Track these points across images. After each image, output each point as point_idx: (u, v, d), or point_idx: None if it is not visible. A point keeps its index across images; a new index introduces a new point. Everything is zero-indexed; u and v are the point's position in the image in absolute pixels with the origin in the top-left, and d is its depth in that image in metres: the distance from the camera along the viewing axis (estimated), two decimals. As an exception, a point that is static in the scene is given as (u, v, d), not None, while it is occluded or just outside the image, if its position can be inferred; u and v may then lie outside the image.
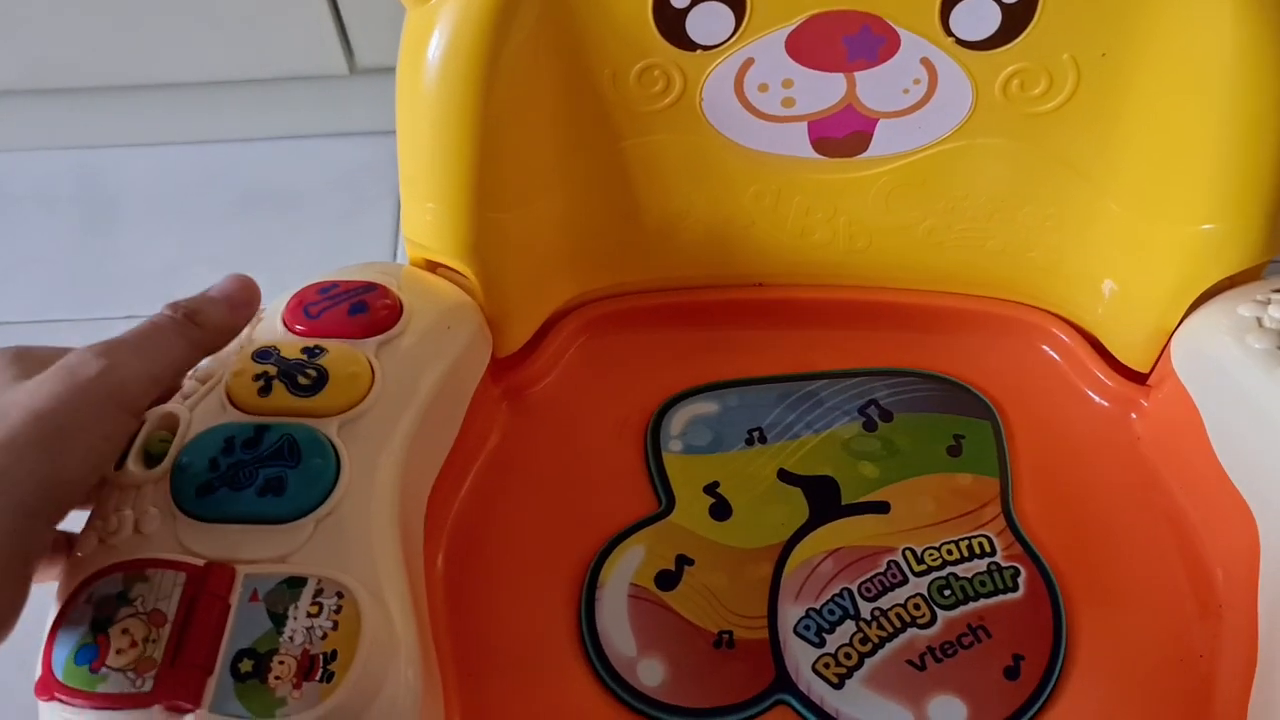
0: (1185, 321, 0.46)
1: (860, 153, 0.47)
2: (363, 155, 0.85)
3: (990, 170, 0.47)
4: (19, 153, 0.85)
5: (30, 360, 0.34)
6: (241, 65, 0.78)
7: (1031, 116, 0.45)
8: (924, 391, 0.51)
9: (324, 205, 0.83)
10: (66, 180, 0.84)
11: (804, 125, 0.46)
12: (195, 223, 0.82)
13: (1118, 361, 0.50)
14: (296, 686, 0.32)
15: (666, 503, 0.47)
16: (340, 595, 0.34)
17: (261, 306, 0.43)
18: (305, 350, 0.40)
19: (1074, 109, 0.44)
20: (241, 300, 0.39)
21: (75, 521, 0.36)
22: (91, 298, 0.79)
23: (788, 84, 0.45)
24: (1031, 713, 0.41)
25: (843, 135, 0.46)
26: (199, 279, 0.80)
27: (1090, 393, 0.50)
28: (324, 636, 0.33)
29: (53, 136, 0.84)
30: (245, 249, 0.81)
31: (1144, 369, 0.49)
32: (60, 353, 0.35)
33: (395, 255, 0.81)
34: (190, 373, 0.40)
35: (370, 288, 0.43)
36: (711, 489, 0.48)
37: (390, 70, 0.79)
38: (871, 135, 0.46)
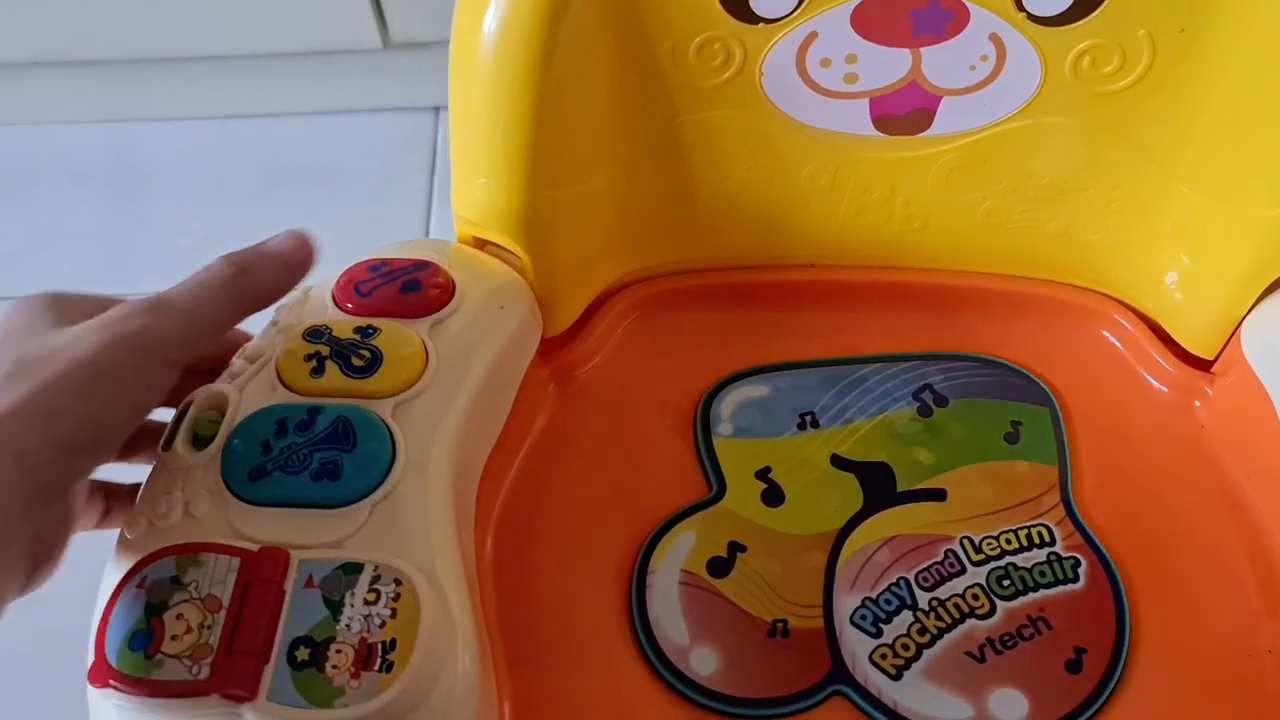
0: (1258, 307, 0.44)
1: (922, 131, 0.46)
2: (396, 131, 0.84)
3: (1055, 150, 0.45)
4: (50, 126, 0.85)
5: (67, 307, 0.34)
6: (274, 39, 0.77)
7: (1101, 95, 0.43)
8: (980, 377, 0.50)
9: (356, 181, 0.82)
10: (97, 154, 0.83)
11: (865, 102, 0.45)
12: (226, 198, 0.82)
13: (1180, 348, 0.49)
14: (354, 676, 0.32)
15: (717, 488, 0.46)
16: (398, 582, 0.33)
17: (309, 287, 0.43)
18: (358, 330, 0.39)
19: (1146, 87, 0.43)
20: (296, 260, 0.38)
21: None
22: (121, 272, 0.78)
23: (851, 59, 0.43)
24: (1095, 708, 0.41)
25: (905, 113, 0.45)
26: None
27: (1152, 380, 0.49)
28: (382, 625, 0.33)
29: (84, 110, 0.84)
30: (276, 224, 0.79)
31: (1209, 356, 0.48)
32: (94, 300, 0.35)
33: (429, 232, 0.80)
34: (239, 352, 0.40)
35: (422, 265, 0.42)
36: (763, 474, 0.47)
37: (424, 45, 0.78)
38: (934, 113, 0.45)
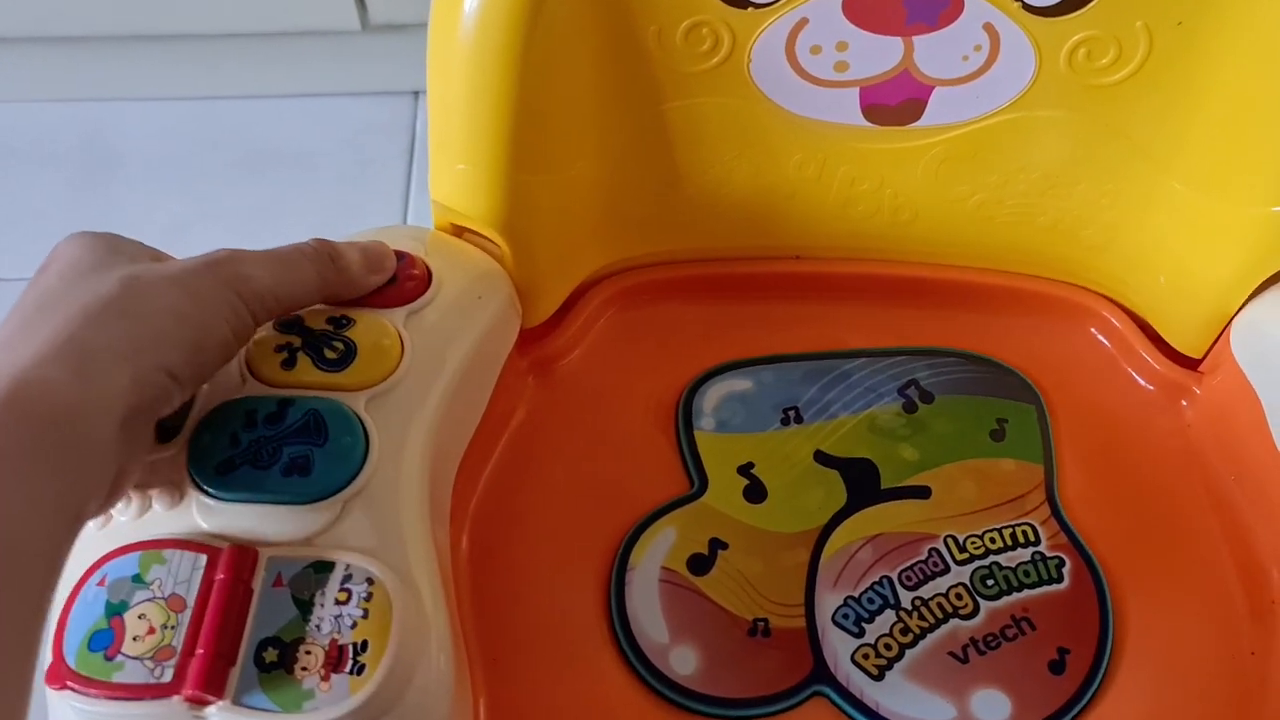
0: (1247, 306, 0.44)
1: (912, 122, 0.45)
2: (374, 115, 0.82)
3: (1047, 144, 0.45)
4: (19, 104, 0.83)
5: (132, 248, 0.34)
6: (251, 18, 0.75)
7: (1095, 88, 0.43)
8: (966, 373, 0.49)
9: (333, 166, 0.81)
10: (68, 134, 0.81)
11: (855, 91, 0.44)
12: (200, 181, 0.80)
13: (1168, 346, 0.48)
14: (325, 679, 0.31)
15: (699, 483, 0.46)
16: (370, 581, 0.32)
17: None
18: (331, 320, 0.38)
19: (1141, 81, 0.42)
20: (378, 266, 0.39)
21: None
22: (92, 255, 0.76)
23: (841, 47, 0.42)
24: (1077, 709, 0.40)
25: (896, 103, 0.44)
26: (204, 238, 0.78)
27: (1139, 378, 0.48)
28: (354, 625, 0.32)
29: (54, 88, 0.82)
30: (251, 208, 0.79)
31: (1197, 354, 0.47)
32: (146, 249, 0.35)
33: (406, 218, 0.79)
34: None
35: (398, 256, 0.40)
36: (745, 470, 0.46)
37: (404, 27, 0.77)
38: (925, 104, 0.44)
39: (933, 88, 0.44)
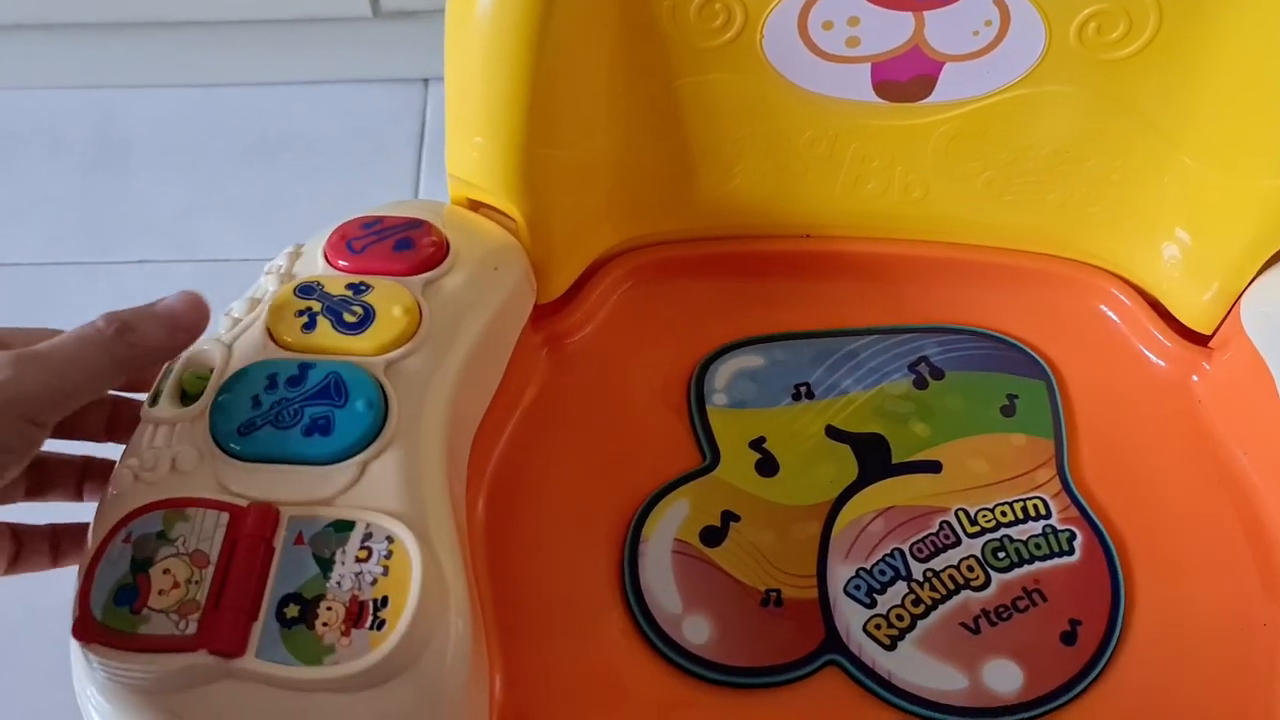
0: (1258, 280, 0.44)
1: (923, 98, 0.45)
2: (384, 103, 0.83)
3: (1057, 119, 0.45)
4: (29, 90, 0.83)
5: None
6: (262, 5, 0.76)
7: (1105, 63, 0.43)
8: (977, 350, 0.49)
9: (342, 153, 0.81)
10: (78, 120, 0.82)
11: (867, 67, 0.44)
12: (209, 167, 0.80)
13: (1178, 323, 0.48)
14: (345, 634, 0.31)
15: (711, 458, 0.46)
16: (390, 540, 0.33)
17: (301, 244, 0.42)
18: (350, 286, 0.38)
19: (1151, 55, 0.42)
20: (186, 322, 0.35)
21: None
22: (102, 241, 0.77)
23: (853, 22, 0.43)
24: (1089, 679, 0.40)
25: (907, 79, 0.45)
26: (212, 225, 0.78)
27: (1149, 354, 0.49)
28: (374, 582, 0.32)
29: (65, 75, 0.82)
30: (260, 195, 0.79)
31: (1207, 331, 0.47)
32: None
33: (416, 206, 0.79)
34: (227, 309, 0.39)
35: (415, 224, 0.41)
36: (757, 444, 0.46)
37: (415, 14, 0.77)
38: (936, 79, 0.44)
39: (943, 63, 0.44)
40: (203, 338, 0.38)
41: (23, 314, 0.72)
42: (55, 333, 0.34)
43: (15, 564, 0.37)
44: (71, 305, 0.73)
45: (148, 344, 0.34)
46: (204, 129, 0.81)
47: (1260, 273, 0.44)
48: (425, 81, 0.83)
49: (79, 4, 0.75)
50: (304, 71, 0.82)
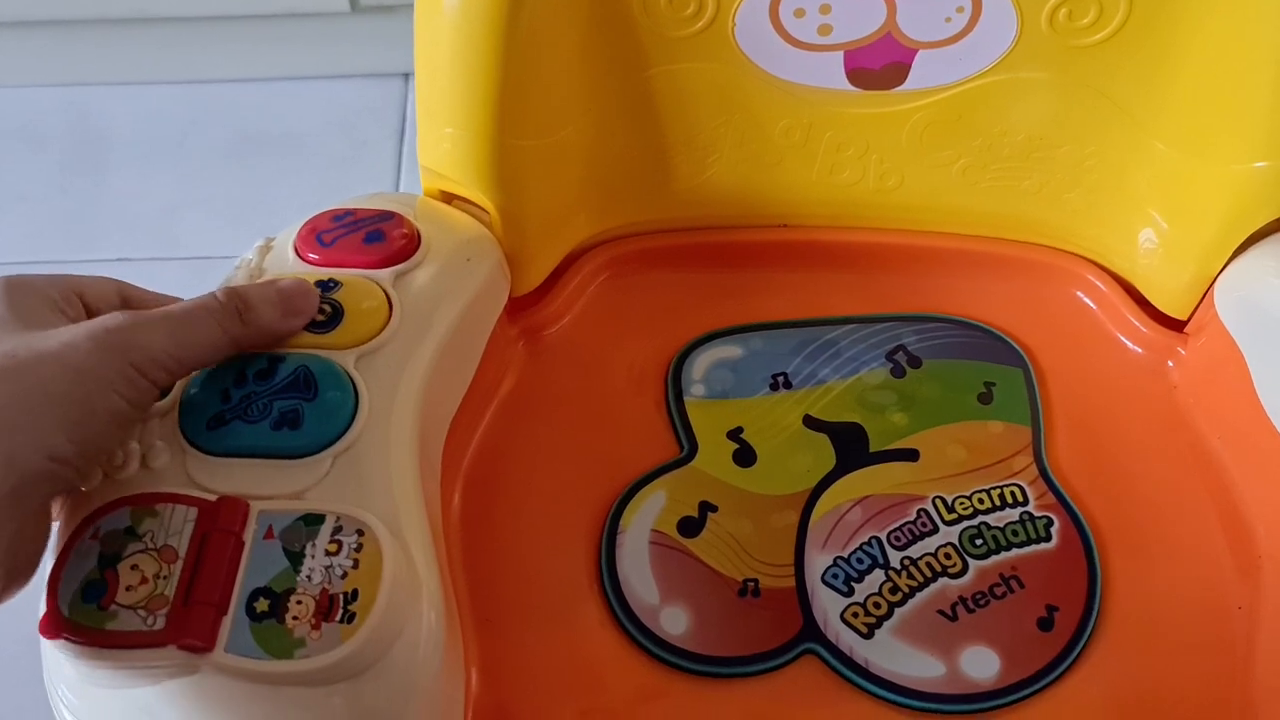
0: (1230, 265, 0.44)
1: (896, 85, 0.45)
2: (363, 98, 0.83)
3: (1030, 106, 0.45)
4: (6, 88, 0.83)
5: (29, 294, 0.33)
6: (239, 0, 0.75)
7: (1077, 49, 0.43)
8: (954, 338, 0.49)
9: (323, 148, 0.81)
10: (55, 118, 0.82)
11: (840, 55, 0.44)
12: (188, 164, 0.80)
13: (1154, 309, 0.48)
14: (315, 627, 0.31)
15: (688, 448, 0.46)
16: (360, 533, 0.33)
17: (271, 238, 0.42)
18: (319, 284, 0.38)
19: (1122, 40, 0.42)
20: (297, 308, 0.37)
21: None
22: (80, 239, 0.76)
23: (825, 9, 0.43)
24: (1065, 664, 0.40)
25: (879, 67, 0.45)
26: (192, 222, 0.78)
27: (1125, 340, 0.49)
28: (344, 575, 0.32)
29: (42, 72, 0.82)
30: (240, 192, 0.79)
31: (1182, 316, 0.48)
32: (54, 283, 0.34)
33: (396, 201, 0.79)
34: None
35: (386, 216, 0.41)
36: (735, 435, 0.46)
37: (393, 9, 0.77)
38: (909, 67, 0.44)
39: (916, 50, 0.44)
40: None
41: (1, 313, 0.72)
42: (178, 299, 0.35)
43: None
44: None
45: (261, 324, 0.36)
46: (183, 125, 0.81)
47: (1233, 258, 0.44)
48: (405, 76, 0.83)
49: (57, 1, 0.74)
50: (283, 67, 0.82)
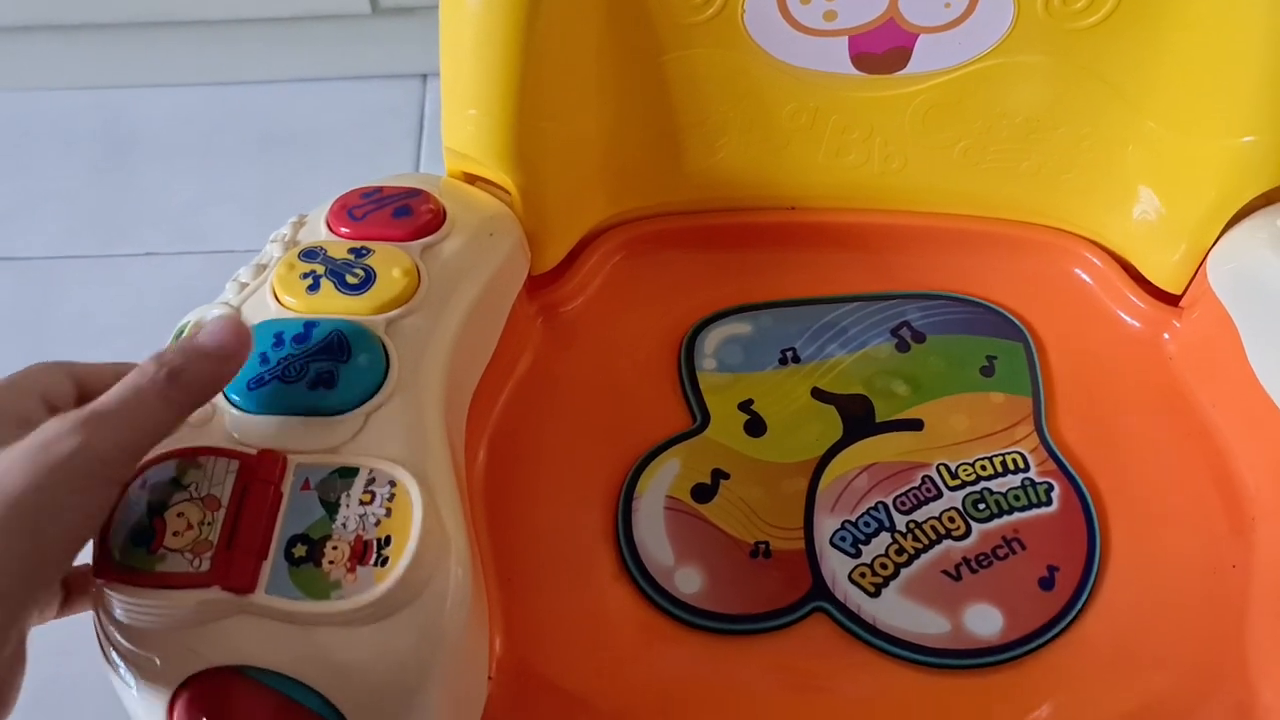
0: (1222, 238, 0.46)
1: (899, 69, 0.47)
2: (384, 98, 0.85)
3: (1027, 89, 0.47)
4: (39, 91, 0.85)
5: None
6: (263, 4, 0.78)
7: (1071, 32, 0.45)
8: (956, 314, 0.51)
9: (343, 148, 0.83)
10: (86, 119, 0.84)
11: (844, 40, 0.46)
12: (215, 163, 0.83)
13: (1150, 284, 0.50)
14: (350, 571, 0.33)
15: (701, 419, 0.48)
16: (392, 484, 0.34)
17: (304, 214, 0.43)
18: (352, 250, 0.40)
19: (1115, 23, 0.44)
20: (232, 349, 0.34)
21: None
22: (111, 234, 0.79)
23: (830, -4, 0.45)
24: (1066, 620, 0.42)
25: (882, 51, 0.46)
26: (217, 218, 0.80)
27: (1122, 315, 0.50)
28: (377, 523, 0.34)
29: (74, 75, 0.84)
30: (265, 190, 0.81)
31: (1177, 291, 0.49)
32: (8, 392, 0.33)
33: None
34: (234, 275, 0.41)
35: (413, 193, 0.43)
36: (746, 406, 0.48)
37: (413, 10, 0.79)
38: (911, 51, 0.46)
39: (918, 35, 0.46)
40: (211, 303, 0.40)
41: (37, 305, 0.75)
42: (123, 366, 0.34)
43: (65, 608, 0.36)
44: (82, 296, 0.75)
45: (201, 382, 0.33)
46: (210, 126, 0.83)
47: (1224, 232, 0.46)
48: (424, 77, 0.85)
49: (87, 5, 0.77)
50: (306, 69, 0.84)
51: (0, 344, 0.74)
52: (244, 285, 0.40)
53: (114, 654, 0.34)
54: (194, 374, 0.33)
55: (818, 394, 0.48)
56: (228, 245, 0.76)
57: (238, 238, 0.76)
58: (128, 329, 0.73)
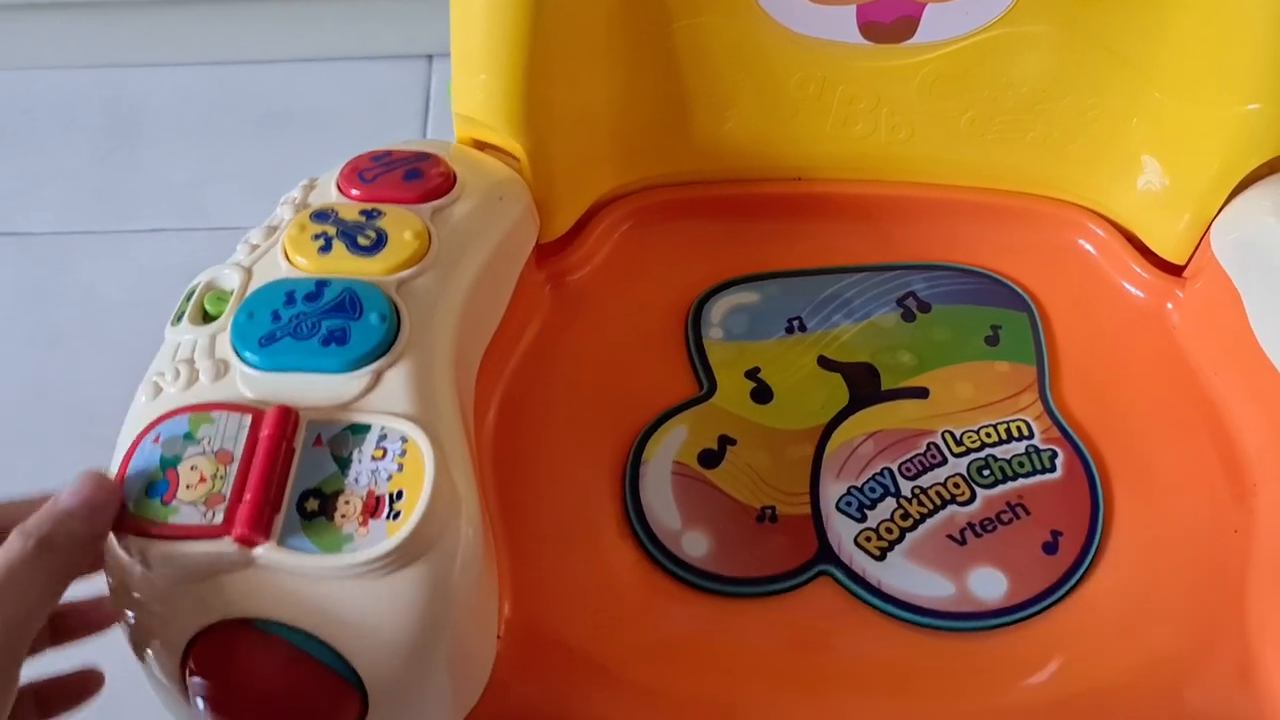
0: (1226, 207, 0.46)
1: (906, 39, 0.47)
2: (390, 78, 0.85)
3: (1033, 59, 0.47)
4: (43, 70, 0.85)
5: None
6: (268, -19, 0.78)
7: (1077, 2, 0.45)
8: (961, 284, 0.51)
9: (349, 128, 0.83)
10: (90, 97, 0.84)
11: (852, 9, 0.46)
12: (218, 141, 0.83)
13: (1154, 255, 0.50)
14: (363, 524, 0.33)
15: (708, 386, 0.48)
16: (404, 440, 0.35)
17: (315, 178, 0.44)
18: (363, 212, 0.40)
19: (1121, -8, 0.44)
20: (100, 502, 0.33)
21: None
22: (115, 211, 0.79)
23: (839, -36, 0.45)
24: (1070, 584, 0.42)
25: (890, 20, 0.47)
26: (220, 195, 0.80)
27: (1126, 285, 0.51)
28: (389, 478, 0.34)
29: (76, 55, 0.84)
30: (266, 167, 0.81)
31: (1180, 261, 0.49)
32: None
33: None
34: (245, 237, 0.41)
35: (423, 157, 0.43)
36: (752, 374, 0.48)
37: (418, -10, 0.79)
38: (919, 21, 0.47)
39: (925, 4, 0.46)
40: (224, 263, 0.40)
41: (44, 280, 0.75)
42: (41, 498, 0.33)
43: (57, 639, 0.36)
44: (89, 271, 0.75)
45: (72, 543, 0.32)
46: (214, 104, 0.84)
47: (1228, 201, 0.46)
48: (429, 58, 0.85)
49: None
50: (311, 48, 0.84)
51: (8, 318, 0.74)
52: (255, 246, 0.40)
53: (126, 606, 0.34)
54: (64, 537, 0.32)
55: (824, 362, 0.49)
56: (230, 222, 0.76)
57: (240, 215, 0.76)
58: (132, 304, 0.73)
